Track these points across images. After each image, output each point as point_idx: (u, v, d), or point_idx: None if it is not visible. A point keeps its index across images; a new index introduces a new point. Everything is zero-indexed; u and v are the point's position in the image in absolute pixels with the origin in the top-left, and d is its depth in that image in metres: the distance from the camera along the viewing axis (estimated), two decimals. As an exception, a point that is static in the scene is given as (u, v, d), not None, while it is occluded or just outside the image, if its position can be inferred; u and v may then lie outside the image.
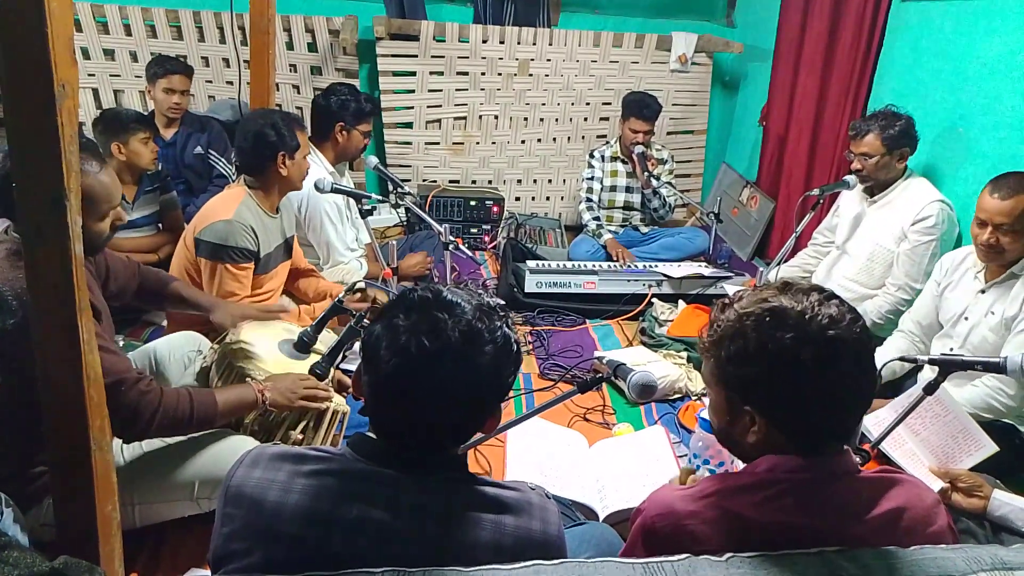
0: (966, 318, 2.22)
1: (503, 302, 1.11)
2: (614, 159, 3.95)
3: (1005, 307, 2.10)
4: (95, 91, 4.05)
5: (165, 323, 2.54)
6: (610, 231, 3.91)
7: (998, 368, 1.63)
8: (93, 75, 4.00)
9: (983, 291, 2.18)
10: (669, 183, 3.91)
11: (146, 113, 3.51)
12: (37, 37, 1.06)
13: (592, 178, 3.99)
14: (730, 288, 3.24)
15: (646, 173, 3.76)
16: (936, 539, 1.05)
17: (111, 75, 4.03)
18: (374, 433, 1.04)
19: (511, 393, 2.59)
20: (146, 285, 2.05)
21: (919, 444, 2.00)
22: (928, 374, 2.07)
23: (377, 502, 0.96)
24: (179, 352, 2.07)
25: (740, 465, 1.15)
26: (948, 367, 1.68)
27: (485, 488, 1.02)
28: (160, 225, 3.12)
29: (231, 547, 0.98)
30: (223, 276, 2.24)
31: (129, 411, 1.49)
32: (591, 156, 4.01)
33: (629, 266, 3.55)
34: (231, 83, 4.08)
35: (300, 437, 1.82)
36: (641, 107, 3.72)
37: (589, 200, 3.99)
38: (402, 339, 0.97)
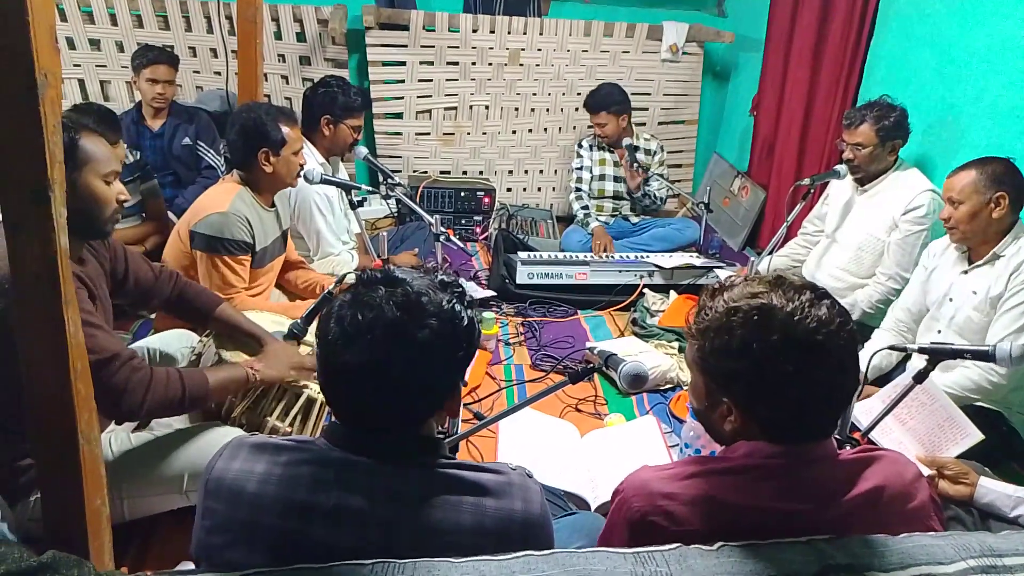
0: (951, 299, 2.25)
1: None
2: (601, 148, 3.95)
3: (990, 285, 2.12)
4: (81, 81, 4.00)
5: (153, 315, 2.52)
6: (600, 220, 3.91)
7: (987, 356, 1.64)
8: (79, 65, 3.96)
9: (965, 272, 2.21)
10: (660, 175, 3.91)
11: (133, 104, 3.49)
12: (18, 25, 1.04)
13: (581, 168, 3.99)
14: (722, 275, 3.24)
15: (635, 164, 3.76)
16: (917, 515, 1.06)
17: (97, 65, 3.98)
18: (335, 415, 1.04)
19: (502, 383, 2.59)
20: (191, 300, 1.96)
21: (906, 433, 2.02)
22: (917, 362, 2.08)
23: (355, 490, 0.96)
24: (171, 348, 2.05)
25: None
26: (938, 355, 1.69)
27: (464, 472, 1.01)
28: (144, 215, 3.08)
29: (213, 540, 0.98)
30: (220, 269, 2.22)
31: (119, 389, 1.47)
32: (579, 146, 4.02)
33: (620, 257, 3.55)
34: (219, 73, 4.04)
35: (289, 429, 1.81)
36: (588, 100, 3.79)
37: (579, 190, 3.99)
38: (341, 313, 0.97)
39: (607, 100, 3.74)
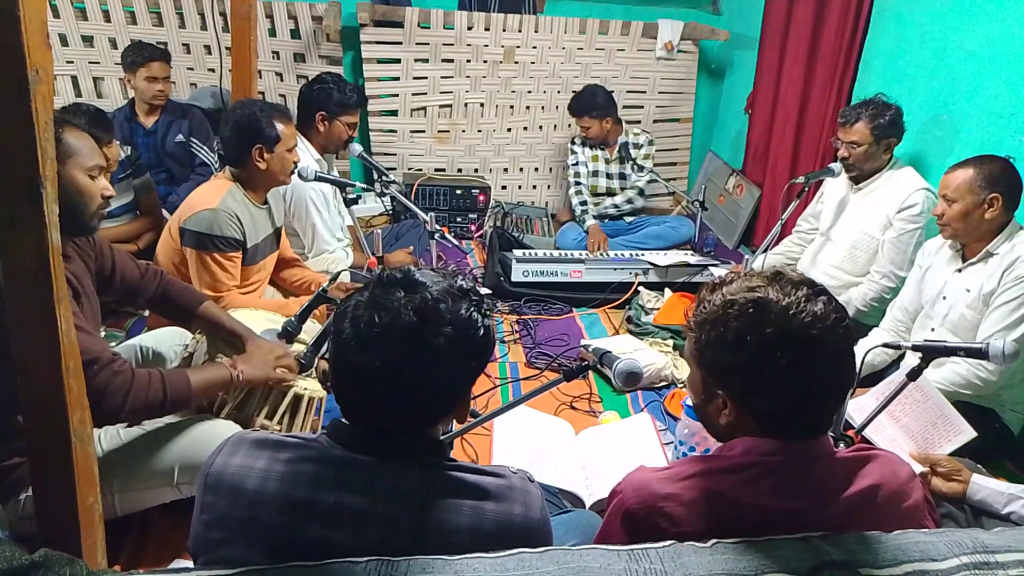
0: (944, 297, 2.26)
1: (481, 288, 1.09)
2: (593, 146, 3.97)
3: (983, 283, 2.13)
4: (74, 78, 3.98)
5: (147, 313, 2.52)
6: (595, 217, 3.92)
7: (980, 354, 1.64)
8: (72, 62, 3.94)
9: (959, 270, 2.22)
10: (642, 166, 3.92)
11: (126, 101, 3.47)
12: (9, 21, 1.03)
13: (576, 163, 4.01)
14: (718, 273, 3.24)
15: (630, 160, 3.77)
16: (912, 513, 1.07)
17: (90, 62, 3.97)
18: (342, 416, 1.03)
19: (497, 381, 2.59)
20: (175, 298, 1.94)
21: (899, 430, 2.02)
22: (911, 360, 2.09)
23: (355, 488, 0.96)
24: (165, 346, 2.04)
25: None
26: (931, 353, 1.70)
27: (465, 474, 1.01)
28: (137, 211, 3.07)
29: (211, 535, 0.97)
30: (211, 266, 2.21)
31: (98, 393, 1.45)
32: (572, 143, 4.04)
33: (615, 255, 3.55)
34: (213, 70, 4.02)
35: (278, 428, 1.80)
36: (571, 105, 3.86)
37: (578, 184, 4.01)
38: (357, 314, 0.97)
39: (588, 105, 3.78)
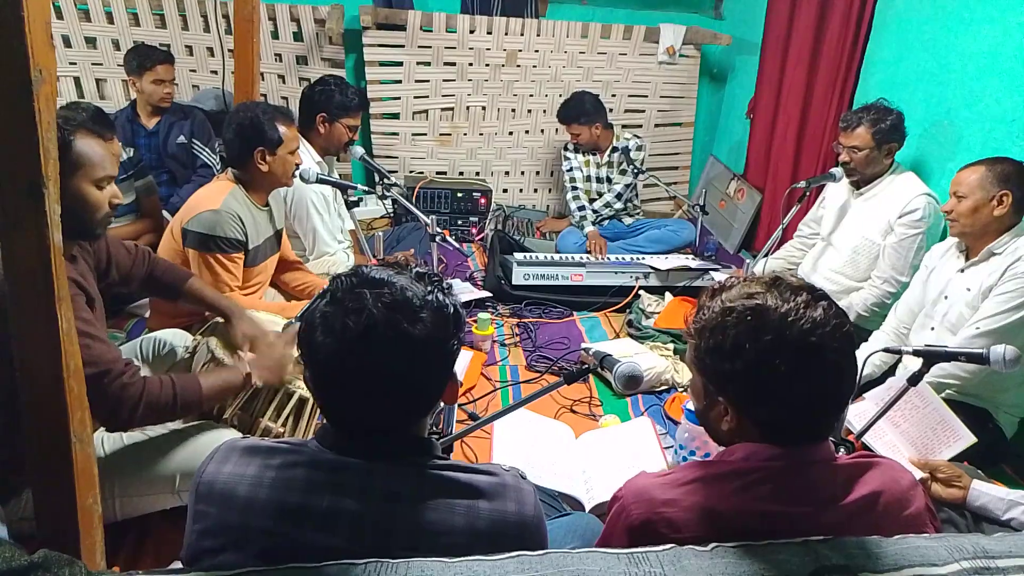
0: (946, 297, 2.26)
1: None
2: (585, 152, 3.98)
3: (983, 280, 2.14)
4: (76, 79, 3.99)
5: (148, 314, 2.52)
6: (592, 223, 3.92)
7: (981, 359, 1.64)
8: (75, 63, 3.95)
9: (962, 270, 2.22)
10: (624, 171, 3.93)
11: (129, 102, 3.48)
12: (13, 21, 1.04)
13: (571, 169, 4.02)
14: (719, 277, 3.24)
15: (630, 164, 3.77)
16: (913, 521, 1.06)
17: (93, 63, 3.98)
18: (328, 422, 1.03)
19: (497, 384, 2.59)
20: (160, 277, 1.97)
21: (899, 436, 2.02)
22: (911, 365, 2.09)
23: (348, 492, 0.95)
24: (165, 348, 2.04)
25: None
26: (932, 358, 1.70)
27: (457, 473, 1.00)
28: (138, 212, 3.07)
29: (204, 544, 0.96)
30: (213, 267, 2.21)
31: (112, 402, 1.47)
32: (565, 148, 4.05)
33: (616, 258, 3.55)
34: (215, 72, 4.04)
35: (281, 430, 1.80)
36: (559, 112, 3.85)
37: (575, 189, 4.01)
38: (328, 322, 0.96)
39: (576, 111, 3.78)
